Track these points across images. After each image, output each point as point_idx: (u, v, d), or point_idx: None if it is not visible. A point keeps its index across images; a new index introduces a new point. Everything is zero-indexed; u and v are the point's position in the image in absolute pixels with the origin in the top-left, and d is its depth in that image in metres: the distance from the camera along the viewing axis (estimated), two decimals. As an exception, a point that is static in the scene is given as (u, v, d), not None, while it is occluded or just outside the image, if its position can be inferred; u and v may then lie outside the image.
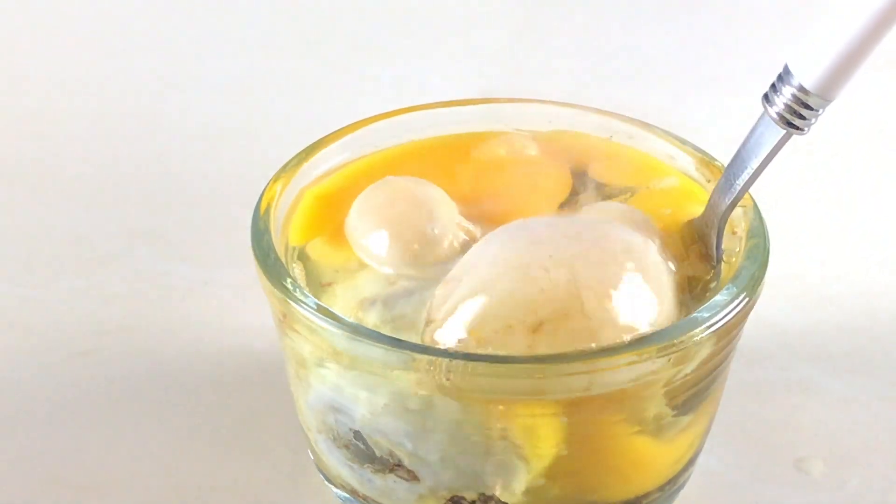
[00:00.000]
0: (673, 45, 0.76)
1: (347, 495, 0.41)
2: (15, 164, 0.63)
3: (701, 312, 0.37)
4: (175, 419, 0.47)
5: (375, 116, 0.46)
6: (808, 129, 0.36)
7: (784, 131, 0.36)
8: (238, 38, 0.75)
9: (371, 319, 0.38)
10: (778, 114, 0.36)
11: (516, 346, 0.36)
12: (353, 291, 0.40)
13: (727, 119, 0.67)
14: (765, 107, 0.36)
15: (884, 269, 0.56)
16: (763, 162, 0.38)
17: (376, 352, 0.36)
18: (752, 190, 0.42)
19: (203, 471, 0.45)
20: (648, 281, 0.37)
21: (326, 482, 0.42)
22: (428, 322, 0.38)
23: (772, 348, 0.51)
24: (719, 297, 0.37)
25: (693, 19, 0.78)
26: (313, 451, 0.43)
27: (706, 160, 0.44)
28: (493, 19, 0.78)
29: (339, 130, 0.45)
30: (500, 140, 0.46)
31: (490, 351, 0.36)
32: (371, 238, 0.41)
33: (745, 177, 0.38)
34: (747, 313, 0.38)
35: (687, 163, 0.44)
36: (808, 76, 0.35)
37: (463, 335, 0.36)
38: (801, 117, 0.36)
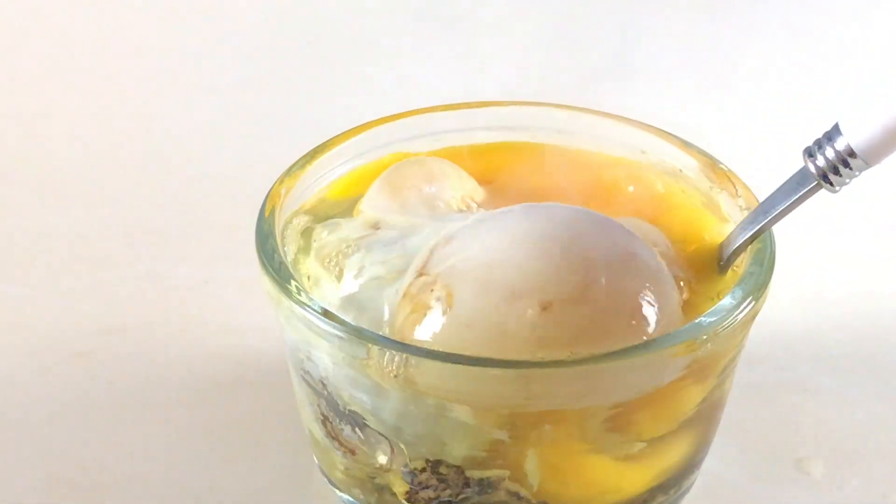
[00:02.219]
0: (674, 46, 0.76)
1: (351, 498, 0.41)
2: (15, 164, 0.63)
3: (706, 317, 0.37)
4: (175, 420, 0.47)
5: (380, 119, 0.46)
6: (840, 189, 0.37)
7: (815, 182, 0.37)
8: (240, 39, 0.75)
9: (351, 265, 0.39)
10: (817, 166, 0.37)
11: (520, 319, 0.35)
12: (338, 235, 0.40)
13: (729, 121, 0.67)
14: (805, 159, 0.37)
15: (884, 271, 0.56)
16: (787, 208, 0.39)
17: (384, 357, 0.36)
18: (754, 190, 0.42)
19: (203, 471, 0.45)
20: (661, 287, 0.37)
21: (330, 485, 0.42)
22: (419, 274, 0.37)
23: (772, 349, 0.51)
24: (725, 302, 0.37)
25: (694, 20, 0.78)
26: (316, 454, 0.43)
27: (711, 163, 0.44)
28: (493, 20, 0.78)
29: (343, 133, 0.45)
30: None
31: (488, 321, 0.35)
32: (374, 187, 0.42)
33: (765, 220, 0.39)
34: (753, 318, 0.38)
35: (692, 165, 0.44)
36: (859, 140, 0.36)
37: (463, 297, 0.36)
38: (838, 174, 0.37)
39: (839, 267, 0.57)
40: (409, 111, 0.46)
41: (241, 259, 0.54)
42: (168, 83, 0.71)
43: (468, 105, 0.47)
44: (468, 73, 0.73)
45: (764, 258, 0.39)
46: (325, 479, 0.43)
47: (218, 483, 0.44)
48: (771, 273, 0.39)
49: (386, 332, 0.38)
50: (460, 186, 0.43)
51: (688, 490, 0.42)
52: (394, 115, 0.46)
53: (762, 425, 0.47)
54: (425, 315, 0.37)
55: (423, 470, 0.38)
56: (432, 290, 0.37)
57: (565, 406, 0.36)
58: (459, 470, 0.37)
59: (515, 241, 0.37)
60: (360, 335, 0.36)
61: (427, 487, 0.38)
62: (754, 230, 0.39)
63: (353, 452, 0.39)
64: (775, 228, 0.40)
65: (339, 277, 0.39)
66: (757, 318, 0.39)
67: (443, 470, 0.38)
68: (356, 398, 0.37)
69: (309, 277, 0.40)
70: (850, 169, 0.36)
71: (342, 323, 0.36)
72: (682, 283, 0.40)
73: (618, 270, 0.37)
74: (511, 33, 0.77)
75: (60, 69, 0.72)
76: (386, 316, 0.38)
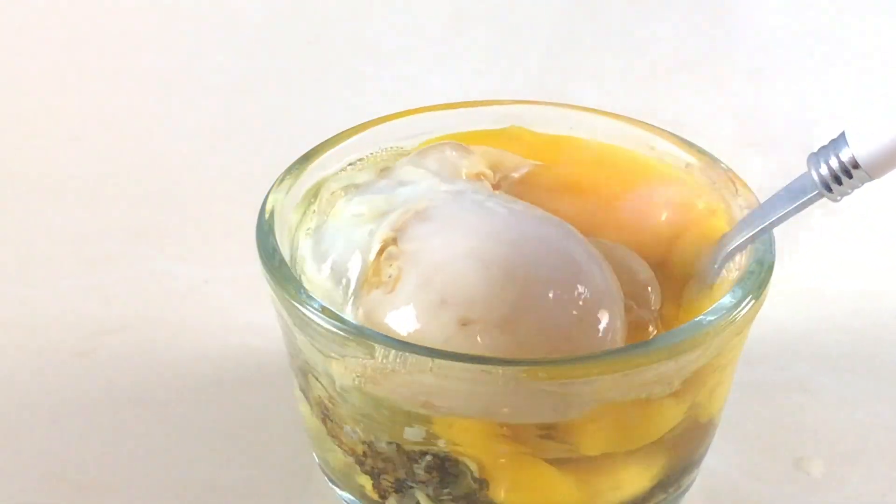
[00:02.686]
0: (676, 46, 0.76)
1: (352, 497, 0.41)
2: (15, 164, 0.63)
3: (706, 315, 0.37)
4: (175, 419, 0.47)
5: (380, 118, 0.45)
6: (841, 199, 0.37)
7: (817, 192, 0.37)
8: (240, 38, 0.75)
9: (342, 203, 0.40)
10: (820, 175, 0.37)
11: (439, 327, 0.36)
12: (345, 182, 0.42)
13: (730, 120, 0.67)
14: (809, 166, 0.37)
15: (884, 270, 0.56)
16: (787, 213, 0.38)
17: (381, 356, 0.36)
18: (755, 190, 0.42)
19: (203, 471, 0.45)
20: (595, 325, 0.37)
21: (331, 484, 0.42)
22: (393, 237, 0.38)
23: (772, 348, 0.51)
24: (725, 300, 0.37)
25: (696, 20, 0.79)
26: (317, 452, 0.43)
27: (712, 162, 0.44)
28: (493, 20, 0.78)
29: (343, 133, 0.45)
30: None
31: (412, 318, 0.36)
32: None
33: (763, 224, 0.39)
34: (753, 316, 0.38)
35: (693, 165, 0.44)
36: (863, 152, 0.35)
37: (405, 286, 0.36)
38: (839, 184, 0.36)
39: (839, 266, 0.57)
40: (409, 110, 0.46)
41: (241, 259, 0.54)
42: (168, 83, 0.71)
43: (471, 104, 0.47)
44: (469, 73, 0.73)
45: (764, 257, 0.39)
46: (326, 478, 0.43)
47: (218, 483, 0.44)
48: (771, 272, 0.39)
49: (352, 269, 0.38)
50: (486, 164, 0.43)
51: (688, 489, 0.42)
52: (394, 114, 0.46)
53: (762, 425, 0.47)
54: (375, 288, 0.37)
55: (366, 454, 0.38)
56: (391, 266, 0.37)
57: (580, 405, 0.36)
58: (398, 446, 0.37)
59: (468, 251, 0.37)
60: (360, 334, 0.36)
61: (381, 473, 0.38)
62: (751, 234, 0.39)
63: (353, 450, 0.39)
64: (775, 228, 0.40)
65: (327, 213, 0.40)
66: (757, 318, 0.39)
67: (381, 448, 0.38)
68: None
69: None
70: (853, 179, 0.36)
71: (342, 321, 0.36)
72: (650, 326, 0.39)
73: (551, 304, 0.36)
74: (511, 33, 0.77)
75: (61, 69, 0.72)
76: (355, 255, 0.39)
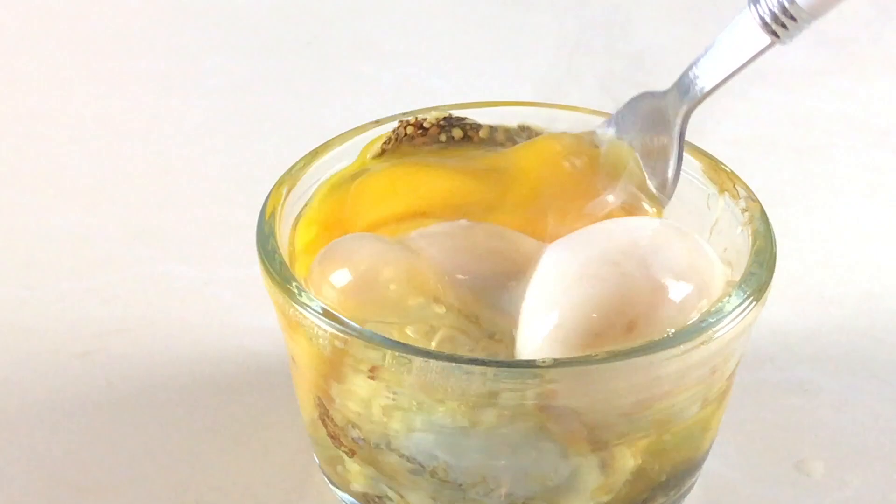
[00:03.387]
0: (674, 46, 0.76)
1: (352, 498, 0.41)
2: (15, 164, 0.63)
3: (707, 318, 0.36)
4: (175, 420, 0.47)
5: (381, 119, 0.45)
6: (789, 42, 0.36)
7: (765, 38, 0.36)
8: (239, 39, 0.75)
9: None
10: (762, 18, 0.36)
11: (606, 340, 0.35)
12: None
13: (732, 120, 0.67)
14: (751, 8, 0.36)
15: (884, 271, 0.56)
16: (738, 68, 0.38)
17: (385, 358, 0.36)
18: (756, 191, 0.42)
19: (204, 472, 0.45)
20: (703, 257, 0.38)
21: (331, 485, 0.42)
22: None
23: (772, 350, 0.51)
24: (726, 303, 0.37)
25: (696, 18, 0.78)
26: (317, 453, 0.43)
27: (713, 163, 0.44)
28: (492, 19, 0.78)
29: (344, 133, 0.45)
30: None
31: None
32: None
33: (714, 79, 0.38)
34: (754, 318, 0.38)
35: (694, 166, 0.44)
36: None
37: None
38: (784, 27, 0.36)
39: (840, 268, 0.57)
40: (409, 111, 0.46)
41: (241, 259, 0.54)
42: (168, 83, 0.71)
43: (471, 105, 0.46)
44: (468, 73, 0.73)
45: (765, 259, 0.39)
46: (326, 479, 0.43)
47: (218, 483, 0.44)
48: (772, 274, 0.39)
49: None
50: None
51: (688, 491, 0.42)
52: (394, 115, 0.46)
53: (762, 426, 0.47)
54: None
55: None
56: None
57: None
58: None
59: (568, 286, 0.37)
60: (361, 337, 0.36)
61: None
62: (703, 96, 0.39)
63: (353, 452, 0.39)
64: (775, 229, 0.40)
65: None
66: (758, 319, 0.39)
67: None
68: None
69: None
70: (796, 21, 0.35)
71: (342, 323, 0.36)
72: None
73: (667, 257, 0.37)
74: (512, 34, 0.77)
75: (61, 69, 0.72)
76: None
